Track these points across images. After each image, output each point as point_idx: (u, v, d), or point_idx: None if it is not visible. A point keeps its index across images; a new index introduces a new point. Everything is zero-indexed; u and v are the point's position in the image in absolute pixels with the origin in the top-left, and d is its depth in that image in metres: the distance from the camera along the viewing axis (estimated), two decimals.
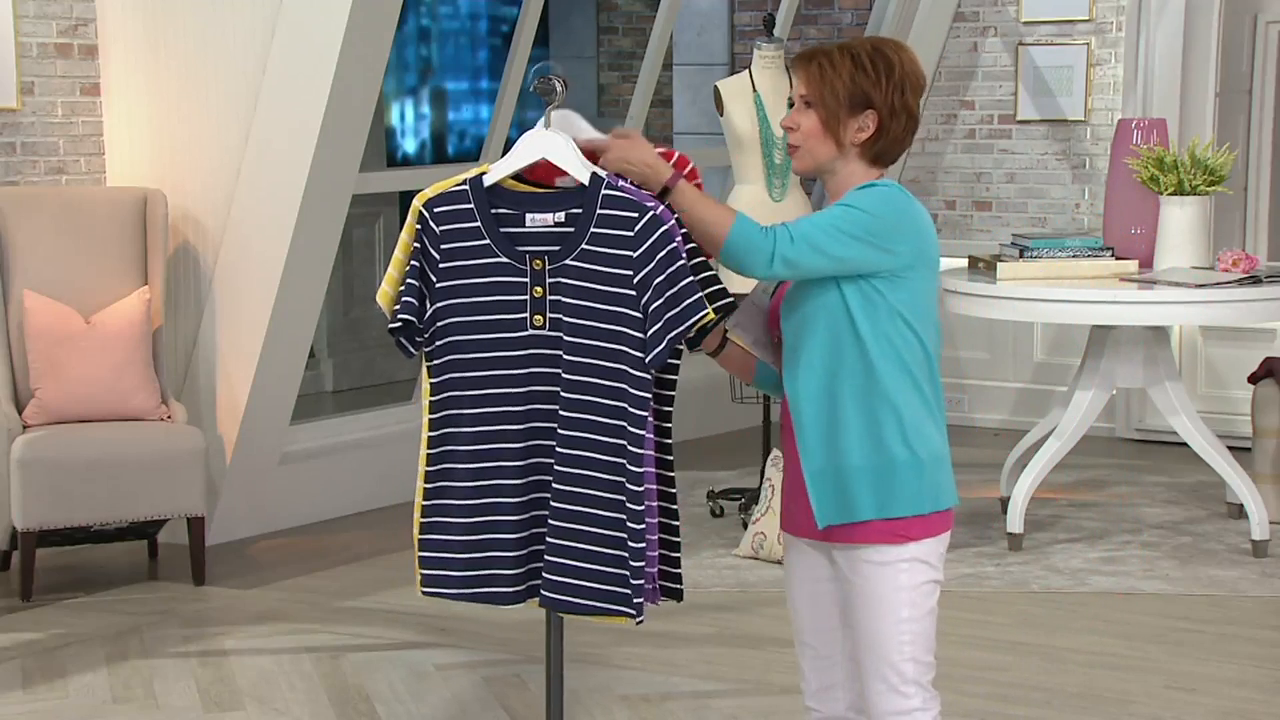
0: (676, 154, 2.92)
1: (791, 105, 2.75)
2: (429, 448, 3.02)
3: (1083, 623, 4.64)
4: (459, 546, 3.01)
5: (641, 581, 2.91)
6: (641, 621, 2.91)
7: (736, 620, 4.66)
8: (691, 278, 2.86)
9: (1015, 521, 5.36)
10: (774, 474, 5.29)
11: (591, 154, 2.90)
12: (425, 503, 3.04)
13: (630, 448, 2.88)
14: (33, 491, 4.81)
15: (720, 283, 2.90)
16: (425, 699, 4.07)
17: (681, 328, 2.85)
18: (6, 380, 5.00)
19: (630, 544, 2.89)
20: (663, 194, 2.75)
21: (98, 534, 5.06)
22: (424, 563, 3.06)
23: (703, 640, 4.49)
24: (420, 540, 3.05)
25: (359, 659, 4.36)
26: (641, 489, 2.90)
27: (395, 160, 9.12)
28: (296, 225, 5.20)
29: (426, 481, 3.04)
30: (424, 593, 3.07)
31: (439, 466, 3.02)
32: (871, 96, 2.66)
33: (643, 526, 2.90)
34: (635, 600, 2.91)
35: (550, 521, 2.96)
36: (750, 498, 5.63)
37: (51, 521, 4.85)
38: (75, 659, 4.37)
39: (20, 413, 4.98)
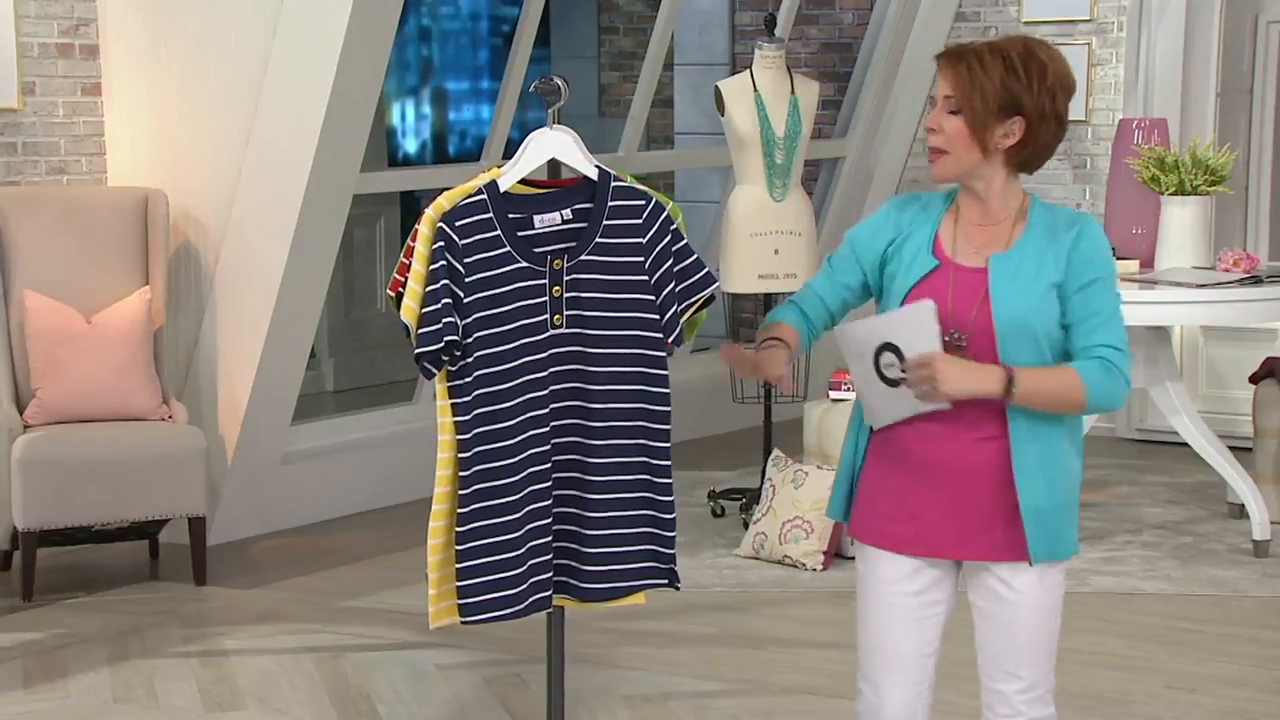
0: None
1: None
2: (462, 469, 2.93)
3: (1083, 623, 4.64)
4: (508, 564, 2.95)
5: (674, 551, 3.04)
6: (679, 587, 3.05)
7: (738, 620, 4.66)
8: (696, 254, 3.01)
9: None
10: (774, 474, 5.29)
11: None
12: (462, 527, 2.93)
13: (653, 425, 2.99)
14: (34, 491, 4.81)
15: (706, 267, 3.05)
16: (426, 699, 4.07)
17: (693, 299, 2.99)
18: (8, 380, 5.01)
19: (661, 516, 3.00)
20: (1008, 392, 2.50)
21: (99, 534, 5.06)
22: (466, 591, 2.94)
23: (704, 640, 4.49)
24: (460, 569, 2.93)
25: (360, 659, 4.37)
26: (667, 463, 3.02)
27: (396, 160, 9.12)
28: (298, 225, 5.20)
29: (462, 505, 2.93)
30: (466, 622, 2.94)
31: (477, 487, 2.93)
32: (1022, 101, 2.52)
33: (670, 499, 3.03)
34: (671, 569, 3.04)
35: (587, 514, 3.00)
36: (751, 498, 5.63)
37: (53, 521, 4.86)
38: (76, 659, 4.37)
39: (21, 413, 4.98)
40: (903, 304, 2.57)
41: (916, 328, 2.51)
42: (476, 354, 2.93)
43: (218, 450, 5.37)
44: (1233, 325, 6.62)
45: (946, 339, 2.54)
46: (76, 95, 5.46)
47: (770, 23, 5.88)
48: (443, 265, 2.90)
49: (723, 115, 5.71)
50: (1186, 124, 6.84)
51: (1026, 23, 7.32)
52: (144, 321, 5.12)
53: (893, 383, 2.52)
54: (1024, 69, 2.52)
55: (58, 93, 5.41)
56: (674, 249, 2.98)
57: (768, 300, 5.88)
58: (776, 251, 5.65)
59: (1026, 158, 2.59)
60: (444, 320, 2.89)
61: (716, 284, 3.02)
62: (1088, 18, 7.19)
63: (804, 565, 5.12)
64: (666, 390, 3.01)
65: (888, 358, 2.52)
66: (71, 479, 4.84)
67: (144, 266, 5.26)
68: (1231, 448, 5.60)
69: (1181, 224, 5.38)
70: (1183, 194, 5.36)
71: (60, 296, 5.08)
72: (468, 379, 2.93)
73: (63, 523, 4.88)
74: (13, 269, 5.10)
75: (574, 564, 3.02)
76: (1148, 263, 5.50)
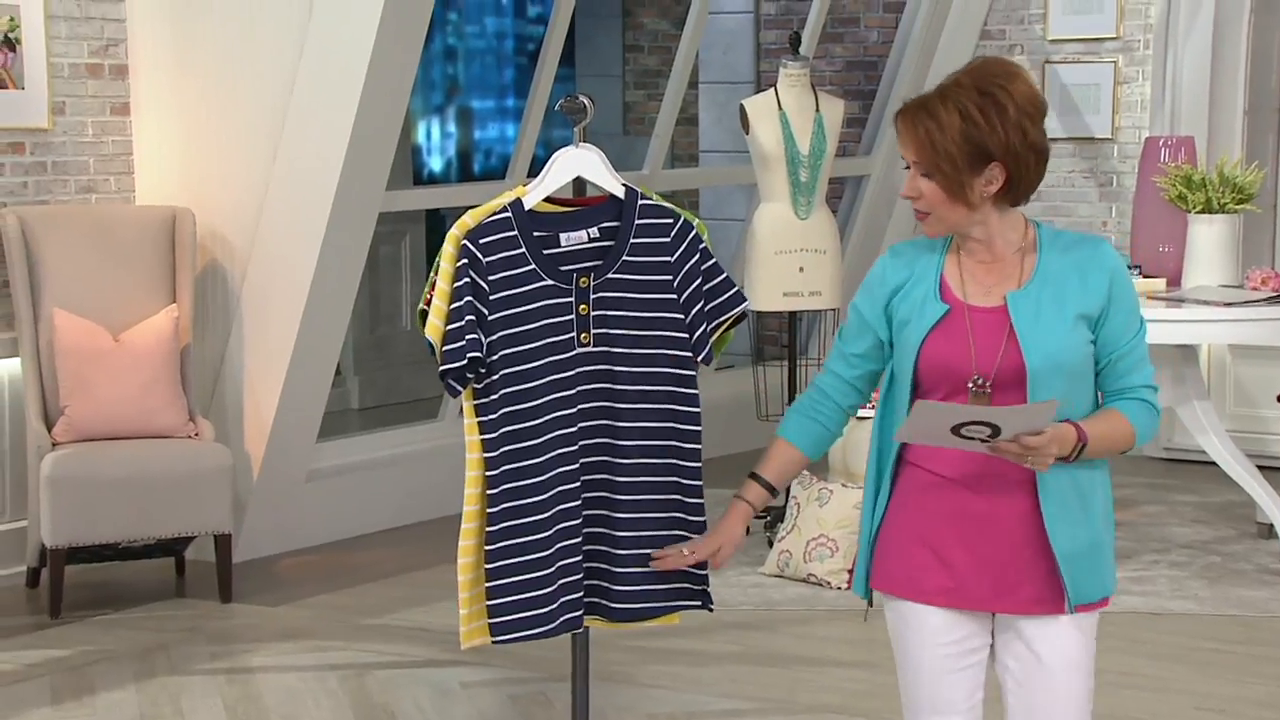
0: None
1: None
2: (489, 488, 2.93)
3: (1110, 642, 4.60)
4: (538, 584, 2.94)
5: (707, 572, 3.01)
6: (713, 608, 3.02)
7: (763, 639, 4.65)
8: (726, 273, 3.01)
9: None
10: (799, 492, 5.28)
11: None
12: (491, 546, 2.93)
13: (684, 444, 2.99)
14: (62, 509, 4.83)
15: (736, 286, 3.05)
16: (451, 717, 4.07)
17: (722, 317, 2.99)
18: (36, 398, 5.03)
19: (694, 536, 2.97)
20: (1077, 453, 2.44)
21: (126, 551, 5.08)
22: (496, 610, 2.93)
23: (729, 659, 4.48)
24: (489, 588, 2.93)
25: (385, 676, 4.37)
26: (699, 482, 3.01)
27: (422, 178, 9.16)
28: (324, 243, 5.22)
29: (490, 524, 2.93)
30: (497, 641, 2.93)
31: (505, 505, 2.93)
32: (990, 148, 2.41)
33: (703, 519, 3.01)
34: (704, 590, 3.02)
35: (618, 534, 2.99)
36: (776, 516, 5.61)
37: (80, 539, 4.88)
38: (103, 676, 4.39)
39: (50, 430, 5.01)
40: (919, 352, 2.46)
41: (1030, 421, 2.36)
42: (502, 372, 2.92)
43: (243, 467, 5.39)
44: (1261, 344, 6.57)
45: (970, 385, 2.43)
46: (105, 115, 5.49)
47: (795, 41, 5.88)
48: (467, 283, 2.90)
49: (747, 133, 5.71)
50: (1214, 142, 6.82)
51: (1052, 40, 7.31)
52: (171, 339, 5.14)
53: (965, 438, 2.38)
54: (981, 114, 2.40)
55: (87, 112, 5.45)
56: (703, 267, 2.98)
57: (792, 318, 5.87)
58: (801, 269, 5.65)
59: (1016, 195, 2.47)
60: (467, 337, 2.89)
61: (746, 303, 3.01)
62: (1114, 35, 7.17)
63: (829, 584, 5.10)
64: (697, 409, 3.01)
65: (978, 430, 2.36)
66: (99, 496, 4.86)
67: (171, 284, 5.29)
68: (1260, 467, 5.57)
69: (1209, 242, 5.36)
70: (1210, 212, 5.34)
71: (88, 314, 5.11)
72: (493, 397, 2.93)
73: (90, 540, 4.89)
74: (42, 287, 5.13)
75: (605, 584, 3.02)
76: (1175, 281, 5.47)
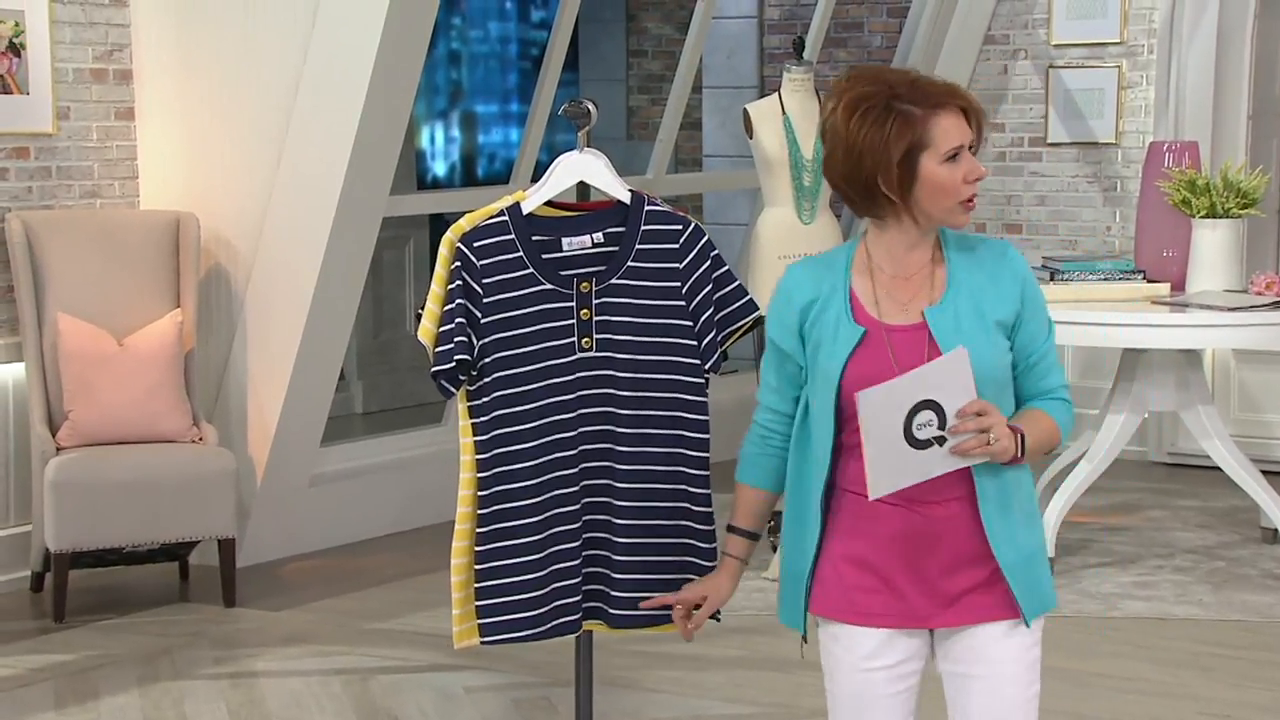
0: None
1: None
2: (481, 488, 2.93)
3: (1114, 648, 4.61)
4: (529, 586, 2.94)
5: None
6: (720, 619, 2.94)
7: (766, 644, 4.64)
8: (738, 281, 2.98)
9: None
10: None
11: None
12: (481, 547, 2.93)
13: (691, 453, 2.96)
14: (66, 513, 4.83)
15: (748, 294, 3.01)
16: None
17: (732, 326, 2.96)
18: (40, 402, 5.04)
19: (700, 545, 2.96)
20: (1020, 449, 2.39)
21: (129, 555, 5.08)
22: (485, 611, 2.94)
23: (732, 663, 4.48)
24: (479, 589, 2.93)
25: (388, 681, 4.37)
26: (706, 491, 2.98)
27: (425, 183, 9.16)
28: (327, 248, 5.23)
29: (480, 525, 2.93)
30: (486, 643, 2.93)
31: (495, 507, 2.93)
32: None
33: (710, 528, 2.98)
34: None
35: (616, 539, 2.97)
36: (779, 520, 5.60)
37: (84, 543, 4.88)
38: (107, 680, 4.39)
39: (54, 435, 5.01)
40: (840, 380, 2.38)
41: (953, 380, 2.32)
42: (495, 374, 2.93)
43: (247, 472, 5.39)
44: (1265, 349, 6.57)
45: None
46: (110, 120, 5.50)
47: (799, 45, 5.88)
48: (459, 285, 2.90)
49: (751, 138, 5.71)
50: (1218, 146, 6.81)
51: (1056, 45, 7.30)
52: (175, 344, 5.15)
53: (923, 444, 2.32)
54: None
55: (91, 117, 5.45)
56: (714, 275, 2.96)
57: None
58: None
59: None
60: (456, 340, 2.89)
61: (758, 311, 2.96)
62: (1118, 40, 7.17)
63: None
64: (705, 417, 2.97)
65: (925, 416, 2.30)
66: (103, 501, 4.86)
67: (175, 289, 5.29)
68: (1264, 471, 5.56)
69: (1213, 247, 5.35)
70: (1214, 217, 5.34)
71: (92, 319, 5.11)
72: (486, 399, 2.93)
73: (94, 544, 4.90)
74: (46, 292, 5.13)
75: (605, 589, 3.01)
76: (1179, 286, 5.47)
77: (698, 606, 2.66)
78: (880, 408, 2.32)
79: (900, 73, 2.41)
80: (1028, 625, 2.44)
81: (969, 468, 2.39)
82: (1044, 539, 2.52)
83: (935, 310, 2.41)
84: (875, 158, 2.36)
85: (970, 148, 2.41)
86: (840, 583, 2.46)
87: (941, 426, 2.33)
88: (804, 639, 2.55)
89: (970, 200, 2.42)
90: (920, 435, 2.32)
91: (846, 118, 2.38)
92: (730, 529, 2.61)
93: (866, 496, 2.40)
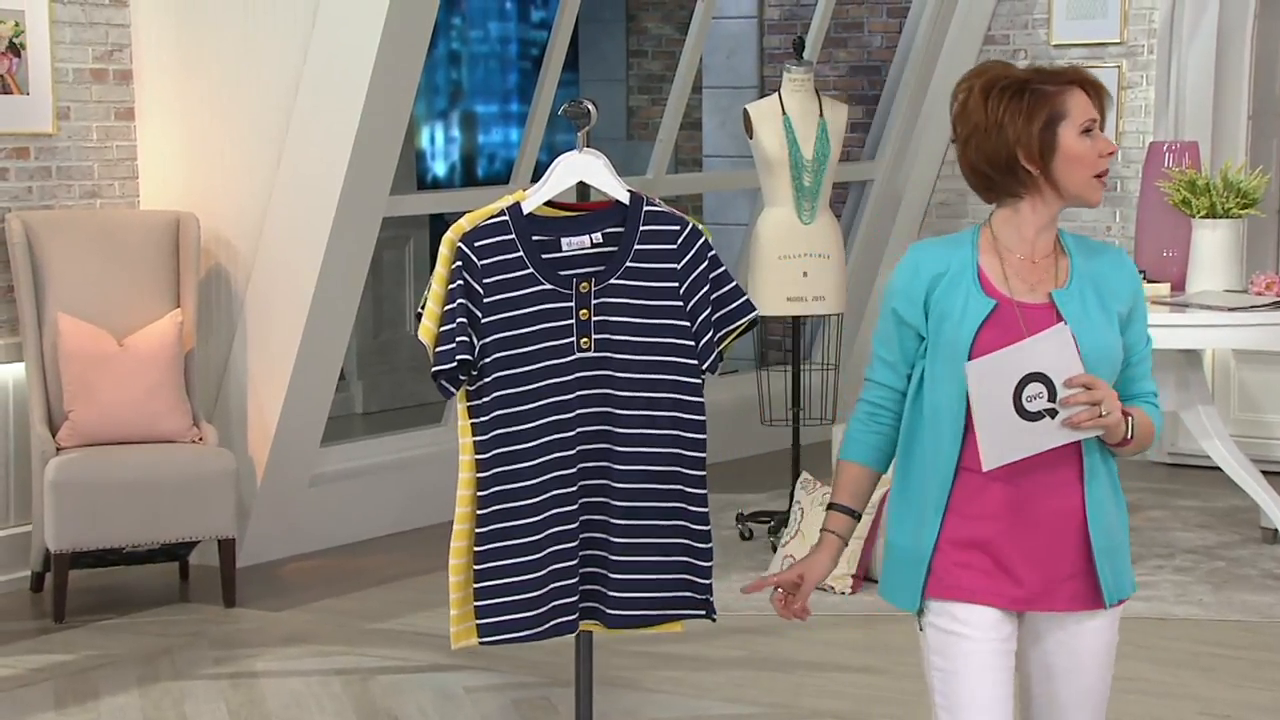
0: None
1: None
2: (480, 489, 2.93)
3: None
4: (528, 586, 2.94)
5: (710, 581, 3.00)
6: (715, 619, 2.97)
7: (766, 644, 4.64)
8: (736, 281, 2.99)
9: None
10: (803, 497, 5.27)
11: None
12: (480, 547, 2.93)
13: (688, 453, 2.96)
14: (66, 513, 4.83)
15: (745, 294, 3.01)
16: None
17: (730, 326, 2.96)
18: (40, 402, 5.04)
19: (697, 546, 2.96)
20: (1130, 431, 2.46)
21: (130, 556, 5.08)
22: (484, 611, 2.94)
23: (732, 664, 4.48)
24: (477, 589, 2.93)
25: (388, 681, 4.37)
26: (702, 491, 2.99)
27: (425, 183, 9.16)
28: (327, 248, 5.23)
29: (480, 525, 2.93)
30: (484, 643, 2.94)
31: (495, 507, 2.93)
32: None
33: (707, 529, 2.99)
34: (707, 599, 3.00)
35: (614, 539, 2.97)
36: (780, 520, 5.61)
37: (84, 543, 4.88)
38: (107, 680, 4.39)
39: (54, 435, 5.01)
40: (970, 352, 2.42)
41: (1060, 353, 2.37)
42: (495, 374, 2.93)
43: (247, 472, 5.39)
44: (1265, 349, 6.56)
45: None
46: (110, 120, 5.50)
47: (799, 46, 5.88)
48: (459, 285, 2.90)
49: (751, 138, 5.71)
50: (1218, 147, 6.81)
51: (1056, 45, 7.31)
52: (175, 344, 5.15)
53: (1034, 416, 2.37)
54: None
55: (91, 117, 5.45)
56: (712, 275, 2.96)
57: (796, 323, 5.87)
58: (805, 274, 5.65)
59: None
60: (457, 340, 2.89)
61: (755, 312, 2.97)
62: (1118, 40, 7.17)
63: (832, 589, 5.10)
64: (702, 417, 2.98)
65: (1034, 388, 2.36)
66: (103, 501, 4.87)
67: (175, 289, 5.29)
68: (1264, 472, 5.56)
69: (1213, 247, 5.35)
70: (1214, 217, 5.34)
71: (92, 319, 5.12)
72: (486, 398, 2.93)
73: (94, 544, 4.90)
74: (46, 292, 5.13)
75: (602, 589, 3.01)
76: (1179, 286, 5.47)
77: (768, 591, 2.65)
78: (987, 378, 2.38)
79: (1019, 67, 2.53)
80: (1108, 606, 2.52)
81: (1080, 447, 2.44)
82: (1128, 529, 2.58)
83: (1063, 293, 2.48)
84: (1016, 130, 2.43)
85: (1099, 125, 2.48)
86: (958, 564, 2.48)
87: (1051, 399, 2.38)
88: (920, 622, 2.54)
89: (1103, 175, 2.48)
90: (1031, 407, 2.38)
91: (983, 99, 2.45)
92: (832, 506, 2.60)
93: (981, 471, 2.44)
